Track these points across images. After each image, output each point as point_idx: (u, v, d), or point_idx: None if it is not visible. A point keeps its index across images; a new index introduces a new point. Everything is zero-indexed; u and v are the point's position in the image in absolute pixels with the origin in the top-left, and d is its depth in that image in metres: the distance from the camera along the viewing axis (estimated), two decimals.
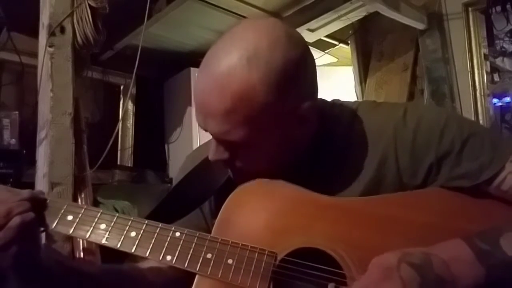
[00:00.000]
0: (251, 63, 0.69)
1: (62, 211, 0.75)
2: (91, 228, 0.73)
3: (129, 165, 3.22)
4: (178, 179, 0.90)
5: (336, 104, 0.85)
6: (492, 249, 0.62)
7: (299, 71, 0.73)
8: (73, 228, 0.74)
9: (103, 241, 0.72)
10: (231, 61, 0.69)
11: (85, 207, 0.76)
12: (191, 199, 0.86)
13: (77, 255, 1.40)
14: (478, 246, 0.63)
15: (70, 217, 0.74)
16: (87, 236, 0.73)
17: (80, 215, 0.74)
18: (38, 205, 0.73)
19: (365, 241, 0.68)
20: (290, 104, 0.73)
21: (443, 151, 0.73)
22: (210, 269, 0.69)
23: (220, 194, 0.80)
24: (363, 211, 0.72)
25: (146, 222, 0.73)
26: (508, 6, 2.44)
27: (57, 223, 0.74)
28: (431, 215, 0.71)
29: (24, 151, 2.03)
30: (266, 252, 0.69)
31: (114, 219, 0.74)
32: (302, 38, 0.77)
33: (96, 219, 0.74)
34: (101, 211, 0.75)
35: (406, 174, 0.75)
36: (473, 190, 0.72)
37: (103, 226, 0.74)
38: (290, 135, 0.75)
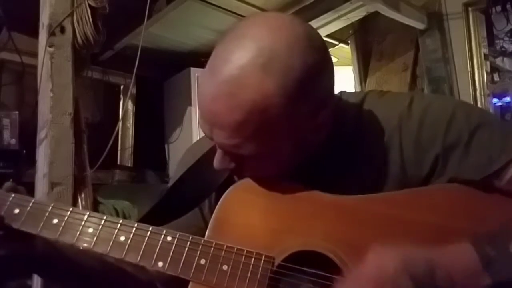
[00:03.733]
0: (267, 69, 0.61)
1: (47, 214, 0.71)
2: (78, 232, 0.70)
3: (129, 165, 3.22)
4: (178, 173, 0.86)
5: (342, 97, 0.81)
6: (500, 257, 0.58)
7: (318, 78, 0.66)
8: (59, 233, 0.70)
9: (92, 247, 0.69)
10: (243, 66, 0.62)
11: (70, 209, 0.72)
12: (191, 197, 0.82)
13: None
14: (487, 253, 0.58)
15: (55, 221, 0.70)
16: (74, 241, 0.70)
17: (66, 218, 0.70)
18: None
19: (366, 242, 0.64)
20: (308, 114, 0.67)
21: (450, 142, 0.69)
22: (204, 275, 0.66)
23: (221, 192, 0.77)
24: (365, 210, 0.69)
25: (136, 225, 0.70)
26: (508, 6, 2.44)
27: (42, 227, 0.70)
28: (437, 214, 0.67)
29: (24, 151, 2.04)
30: (263, 257, 0.66)
31: (102, 223, 0.70)
32: (322, 39, 0.70)
33: (83, 223, 0.70)
34: (88, 213, 0.71)
35: (410, 166, 0.72)
36: (482, 187, 0.69)
37: (90, 230, 0.70)
38: (304, 143, 0.71)
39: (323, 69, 0.68)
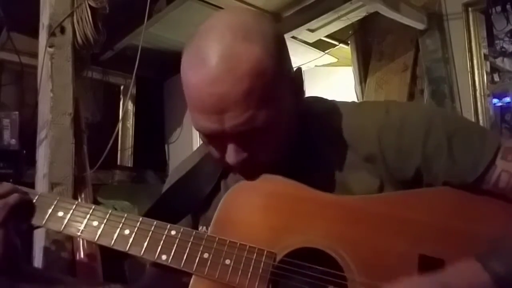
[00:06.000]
0: (248, 38, 0.66)
1: (53, 206, 0.72)
2: (83, 225, 0.71)
3: (129, 165, 3.23)
4: (165, 188, 0.88)
5: (313, 99, 0.84)
6: (508, 272, 0.60)
7: (283, 37, 0.75)
8: (64, 225, 0.71)
9: (96, 239, 0.70)
10: (229, 44, 0.66)
11: (76, 202, 0.74)
12: (177, 210, 0.84)
13: (77, 255, 1.40)
14: (495, 271, 0.60)
15: (60, 213, 0.72)
16: (79, 233, 0.71)
17: (72, 211, 0.72)
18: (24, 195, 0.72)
19: (367, 241, 0.67)
20: (289, 71, 0.74)
21: (429, 150, 0.71)
22: (207, 269, 0.67)
23: (206, 203, 0.80)
24: (365, 210, 0.70)
25: (140, 219, 0.72)
26: (508, 6, 2.44)
27: (47, 219, 0.72)
28: (434, 214, 0.69)
29: (24, 151, 2.03)
30: (265, 252, 0.68)
31: (107, 216, 0.72)
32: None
33: (88, 216, 0.72)
34: (94, 206, 0.73)
35: (396, 174, 0.73)
36: (475, 189, 0.71)
37: (95, 223, 0.71)
38: (294, 109, 0.74)
39: (282, 31, 0.78)
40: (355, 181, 0.74)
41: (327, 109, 0.81)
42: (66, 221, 0.72)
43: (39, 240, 1.37)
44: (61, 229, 0.71)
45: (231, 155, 0.70)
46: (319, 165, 0.77)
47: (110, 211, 0.72)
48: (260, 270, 0.67)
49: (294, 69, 0.77)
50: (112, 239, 0.70)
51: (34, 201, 0.73)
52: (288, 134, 0.74)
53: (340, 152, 0.76)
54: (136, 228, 0.71)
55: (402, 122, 0.74)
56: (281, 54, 0.71)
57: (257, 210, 0.73)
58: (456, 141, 0.71)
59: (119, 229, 0.70)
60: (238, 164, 0.71)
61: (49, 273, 0.83)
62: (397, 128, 0.73)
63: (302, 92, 0.77)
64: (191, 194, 0.84)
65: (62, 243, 1.37)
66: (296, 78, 0.76)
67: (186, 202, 0.84)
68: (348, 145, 0.76)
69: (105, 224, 0.71)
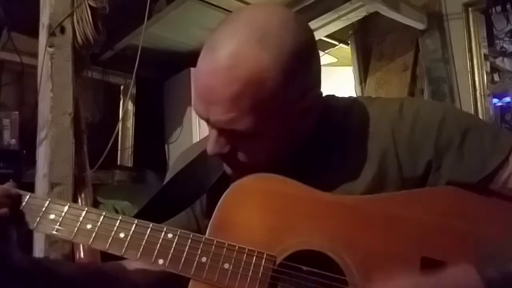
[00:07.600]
0: (263, 43, 0.64)
1: (44, 209, 0.69)
2: (76, 228, 0.68)
3: (129, 165, 3.22)
4: (168, 178, 0.87)
5: (330, 97, 0.83)
6: (502, 277, 0.59)
7: (308, 56, 0.70)
8: (55, 228, 0.69)
9: (90, 243, 0.68)
10: (241, 41, 0.65)
11: (68, 204, 0.70)
12: (181, 199, 0.83)
13: (77, 255, 1.40)
14: (488, 275, 0.59)
15: (52, 216, 0.69)
16: (72, 237, 0.68)
17: (64, 213, 0.69)
18: (13, 202, 0.69)
19: (369, 243, 0.66)
20: (298, 91, 0.69)
21: (442, 145, 0.71)
22: (205, 273, 0.66)
23: (212, 194, 0.77)
24: (367, 210, 0.69)
25: (136, 222, 0.69)
26: (508, 6, 2.44)
27: (38, 223, 0.69)
28: (435, 215, 0.68)
29: (24, 151, 2.04)
30: (265, 255, 0.66)
31: (101, 219, 0.69)
32: (309, 25, 0.76)
33: (81, 218, 0.69)
34: (87, 209, 0.70)
35: (406, 169, 0.72)
36: (481, 190, 0.69)
37: (89, 226, 0.68)
38: (293, 125, 0.72)
39: (312, 50, 0.71)
40: (360, 180, 0.73)
41: (341, 107, 0.80)
42: (58, 224, 0.69)
43: (38, 241, 1.37)
44: (53, 233, 0.69)
45: (210, 143, 0.72)
46: (326, 165, 0.76)
47: (104, 213, 0.70)
48: (260, 274, 0.65)
49: (312, 93, 0.72)
50: (107, 242, 0.68)
51: (24, 203, 0.70)
52: (282, 144, 0.74)
53: (350, 151, 0.75)
54: (132, 231, 0.68)
55: (415, 116, 0.73)
56: (295, 71, 0.67)
57: (257, 210, 0.71)
58: (468, 138, 0.70)
59: (113, 232, 0.68)
60: (215, 156, 0.73)
61: (47, 262, 0.80)
62: (410, 122, 0.73)
63: (312, 115, 0.74)
64: (198, 181, 0.83)
65: (61, 243, 1.37)
66: (311, 101, 0.72)
67: (193, 190, 0.83)
68: (361, 142, 0.75)
69: (99, 227, 0.69)
